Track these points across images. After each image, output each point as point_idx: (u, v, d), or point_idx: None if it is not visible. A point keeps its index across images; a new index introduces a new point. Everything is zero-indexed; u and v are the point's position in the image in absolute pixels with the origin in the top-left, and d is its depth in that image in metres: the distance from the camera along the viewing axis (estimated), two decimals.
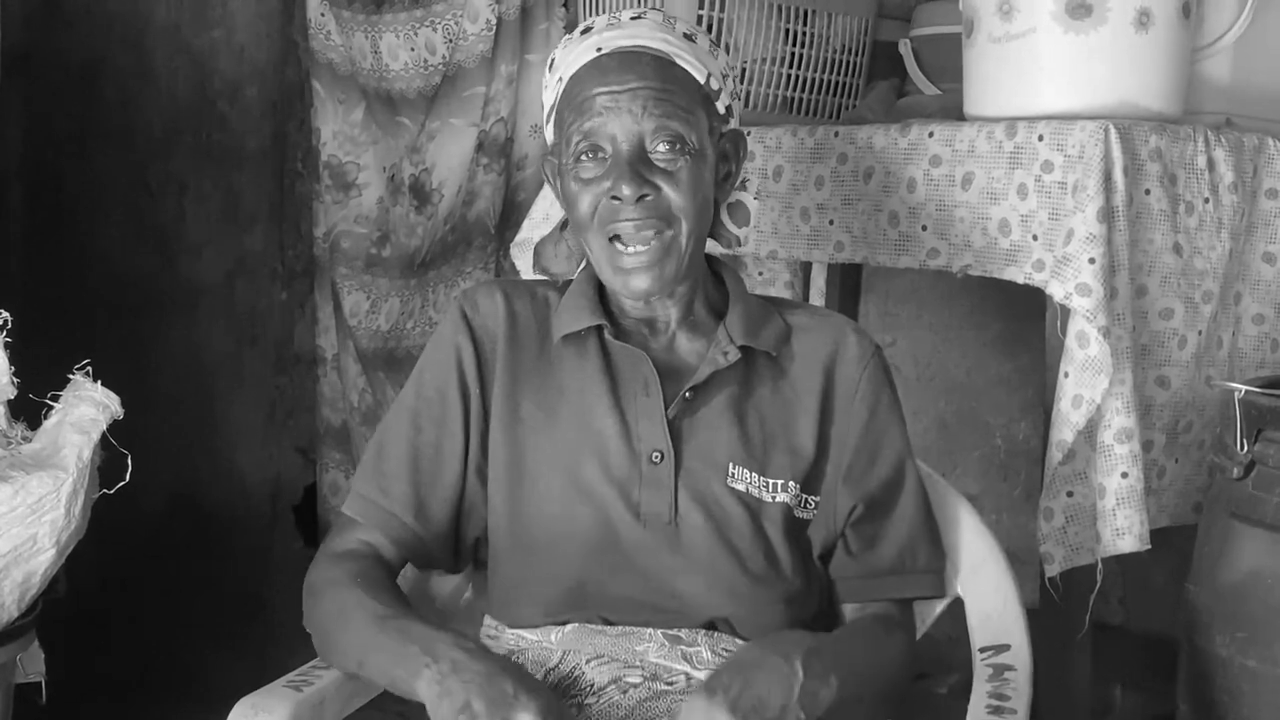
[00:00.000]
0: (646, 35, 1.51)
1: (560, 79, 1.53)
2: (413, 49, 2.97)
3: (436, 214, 3.00)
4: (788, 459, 1.51)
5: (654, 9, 1.61)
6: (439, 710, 1.26)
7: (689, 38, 1.54)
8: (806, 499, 1.52)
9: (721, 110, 1.56)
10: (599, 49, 1.50)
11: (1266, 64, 2.10)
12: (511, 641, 1.49)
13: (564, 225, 1.63)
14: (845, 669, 1.36)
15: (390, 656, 1.36)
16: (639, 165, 1.46)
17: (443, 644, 1.32)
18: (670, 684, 1.40)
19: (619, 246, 1.47)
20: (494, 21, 2.85)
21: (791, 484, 1.50)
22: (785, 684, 1.29)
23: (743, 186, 1.64)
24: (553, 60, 1.56)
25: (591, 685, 1.41)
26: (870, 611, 1.54)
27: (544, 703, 1.25)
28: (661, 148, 1.47)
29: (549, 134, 1.59)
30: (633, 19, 1.53)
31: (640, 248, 1.47)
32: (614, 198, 1.46)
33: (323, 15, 3.10)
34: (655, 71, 1.48)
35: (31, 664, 2.17)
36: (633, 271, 1.47)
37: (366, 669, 1.40)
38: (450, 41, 2.91)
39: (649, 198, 1.46)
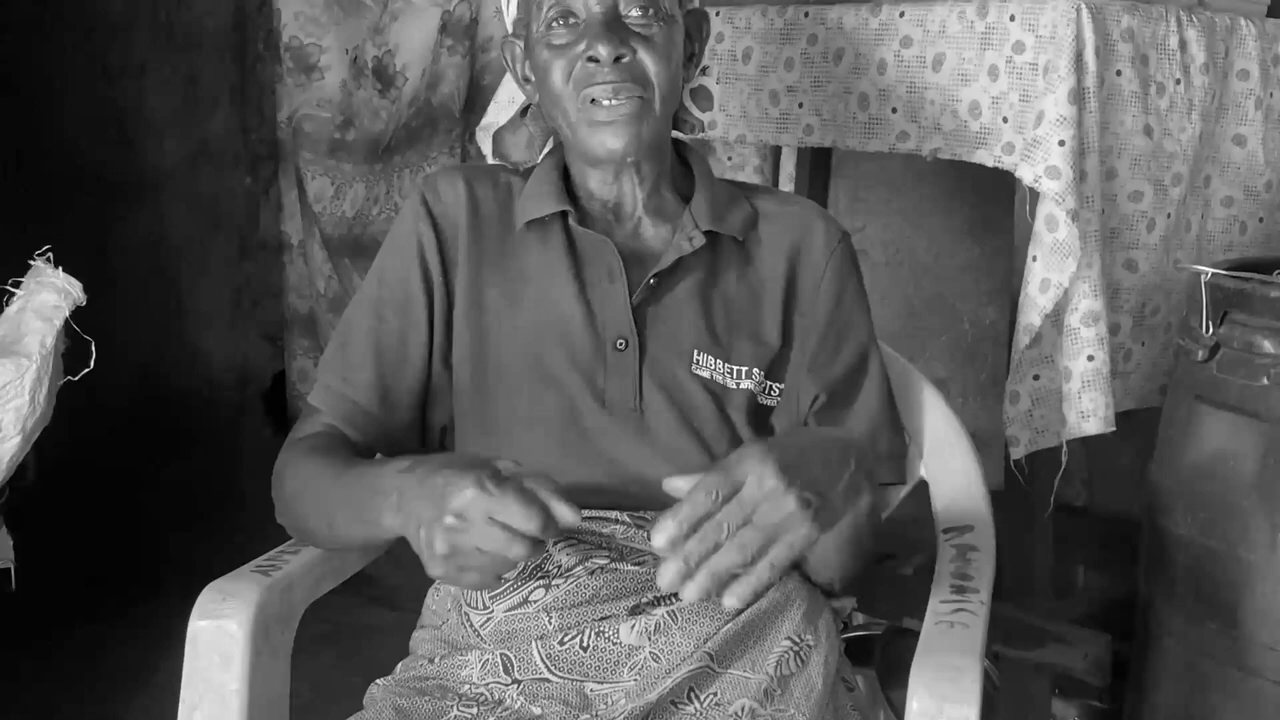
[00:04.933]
0: None
1: None
2: None
3: (400, 97, 2.96)
4: (752, 346, 1.51)
5: None
6: (409, 534, 1.25)
7: None
8: (770, 386, 1.52)
9: None
10: None
11: None
12: None
13: (524, 112, 1.61)
14: (871, 500, 1.31)
15: (354, 509, 1.35)
16: (615, 26, 1.43)
17: (387, 476, 1.31)
18: (638, 564, 1.41)
19: (595, 104, 1.44)
20: None
21: (756, 371, 1.50)
22: (840, 465, 1.23)
23: (704, 71, 1.61)
24: None
25: (559, 566, 1.42)
26: None
27: (471, 480, 1.19)
28: (635, 12, 1.44)
29: (510, 12, 1.56)
30: None
31: (617, 102, 1.44)
32: (591, 59, 1.43)
33: None
34: None
35: (1, 550, 2.18)
36: (609, 126, 1.44)
37: (337, 529, 1.40)
38: None
39: (625, 59, 1.43)
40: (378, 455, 1.53)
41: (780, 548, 1.15)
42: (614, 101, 1.44)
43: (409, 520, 1.24)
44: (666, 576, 1.13)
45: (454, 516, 1.19)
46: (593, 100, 1.44)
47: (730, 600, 1.14)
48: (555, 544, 1.44)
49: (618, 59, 1.42)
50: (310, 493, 1.44)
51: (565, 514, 1.19)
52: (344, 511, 1.37)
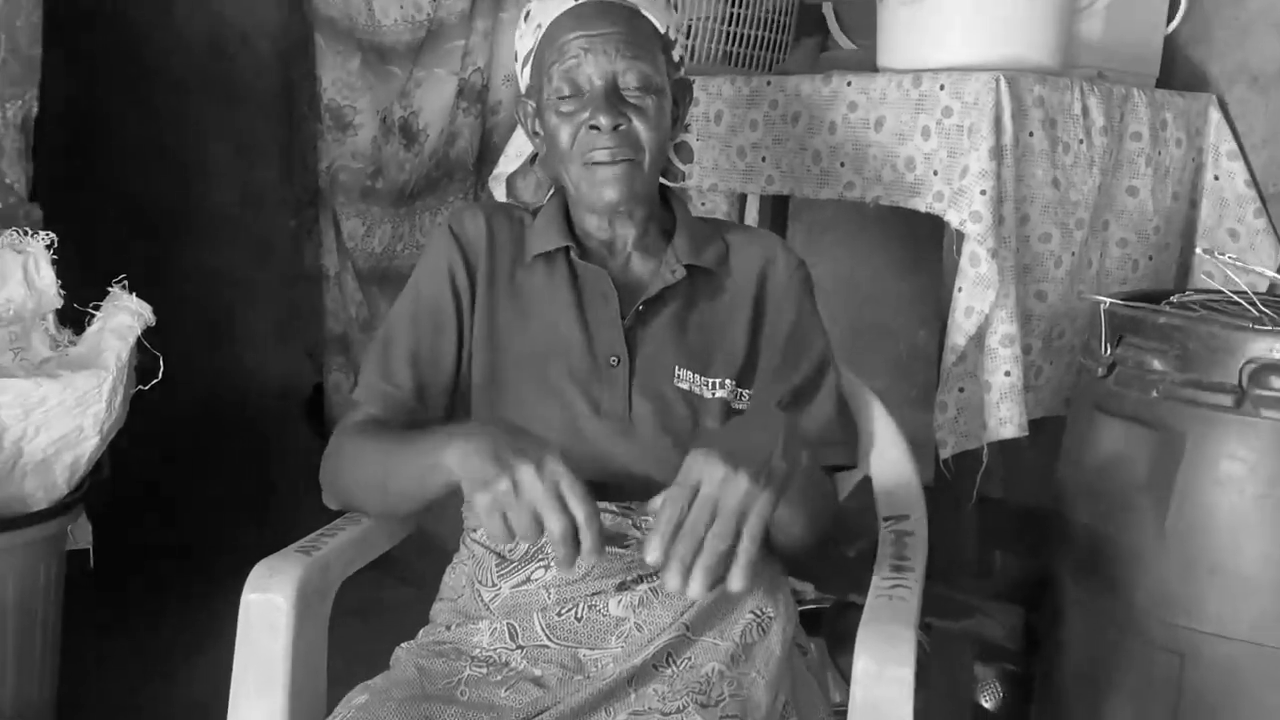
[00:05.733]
0: None
1: (539, 25, 1.50)
2: (402, 6, 2.92)
3: (423, 151, 2.96)
4: (724, 360, 1.51)
5: None
6: (465, 474, 1.20)
7: None
8: (741, 392, 1.51)
9: (675, 59, 1.54)
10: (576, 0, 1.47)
11: (1133, 24, 2.10)
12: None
13: (533, 159, 1.61)
14: (809, 456, 1.31)
15: (413, 453, 1.31)
16: (614, 99, 1.44)
17: (460, 427, 1.28)
18: (624, 548, 1.41)
19: (595, 166, 1.45)
20: None
21: (728, 381, 1.50)
22: (771, 436, 1.21)
23: (685, 129, 1.62)
24: (529, 11, 1.53)
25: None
26: None
27: (532, 458, 1.18)
28: (632, 85, 1.45)
29: (525, 77, 1.56)
30: None
31: (614, 163, 1.44)
32: (592, 127, 1.44)
33: None
34: (625, 20, 1.46)
35: (81, 534, 2.18)
36: (606, 184, 1.45)
37: (393, 478, 1.36)
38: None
39: (622, 127, 1.44)
40: None
41: (752, 521, 1.14)
42: (611, 162, 1.44)
43: (468, 467, 1.20)
44: (672, 583, 1.11)
45: (510, 484, 1.16)
46: (594, 162, 1.45)
47: (736, 584, 1.12)
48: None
49: (615, 127, 1.43)
50: (366, 458, 1.41)
51: (589, 540, 1.17)
52: (401, 461, 1.34)
